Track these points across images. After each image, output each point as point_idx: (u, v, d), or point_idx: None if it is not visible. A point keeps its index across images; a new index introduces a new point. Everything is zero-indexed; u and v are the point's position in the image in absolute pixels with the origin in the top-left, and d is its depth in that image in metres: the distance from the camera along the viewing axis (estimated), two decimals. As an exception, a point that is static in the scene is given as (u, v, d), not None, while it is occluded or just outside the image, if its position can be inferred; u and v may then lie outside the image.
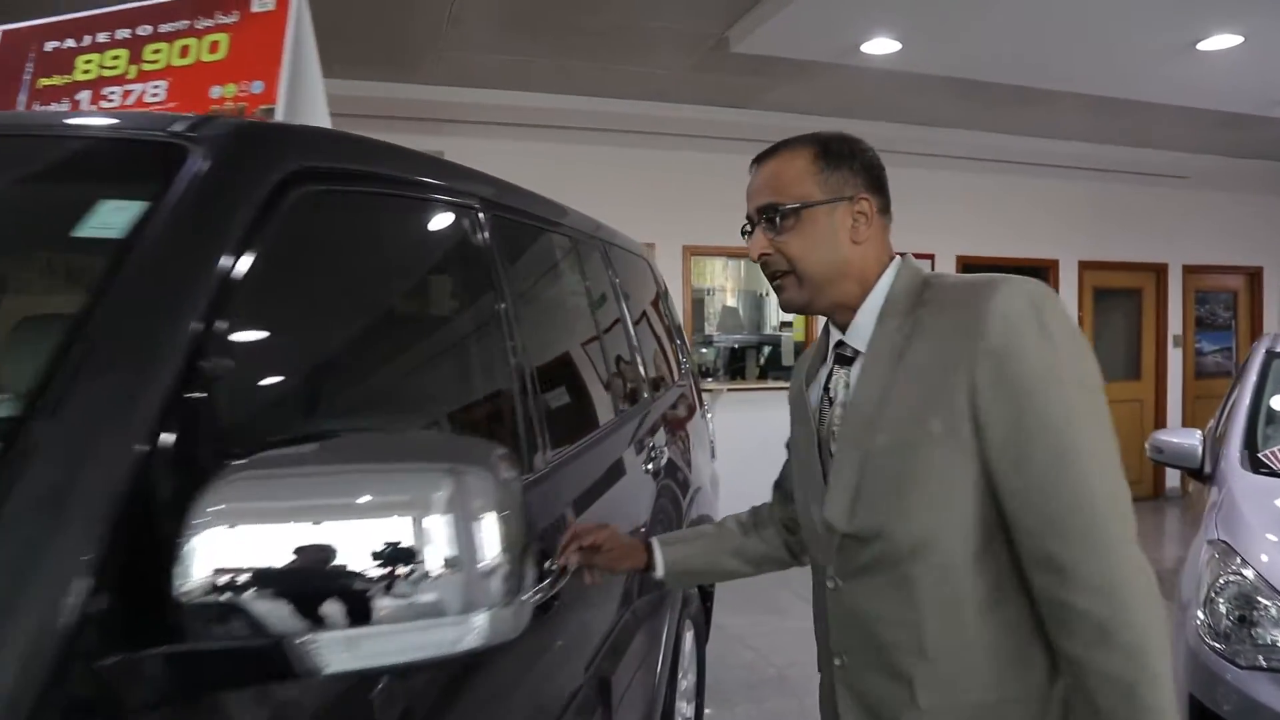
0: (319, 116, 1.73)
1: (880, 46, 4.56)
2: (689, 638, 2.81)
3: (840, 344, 1.21)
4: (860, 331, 1.18)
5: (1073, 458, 1.00)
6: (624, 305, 2.62)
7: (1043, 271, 7.01)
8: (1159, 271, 7.62)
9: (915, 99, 5.51)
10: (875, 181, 1.19)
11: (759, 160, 1.22)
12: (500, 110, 5.45)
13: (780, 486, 1.49)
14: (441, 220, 1.49)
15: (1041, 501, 1.01)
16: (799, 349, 6.50)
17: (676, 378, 3.23)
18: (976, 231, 6.85)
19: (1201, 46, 4.48)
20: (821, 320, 1.25)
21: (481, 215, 1.57)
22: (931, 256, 6.62)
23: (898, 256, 1.20)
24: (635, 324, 2.69)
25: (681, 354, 3.53)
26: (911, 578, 1.09)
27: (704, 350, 6.59)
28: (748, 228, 1.21)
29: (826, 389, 1.21)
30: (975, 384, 1.03)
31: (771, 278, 1.19)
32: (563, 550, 1.37)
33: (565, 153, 5.73)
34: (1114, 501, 1.00)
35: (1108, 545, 0.99)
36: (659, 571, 1.45)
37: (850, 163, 1.18)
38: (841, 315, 1.20)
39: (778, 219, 1.15)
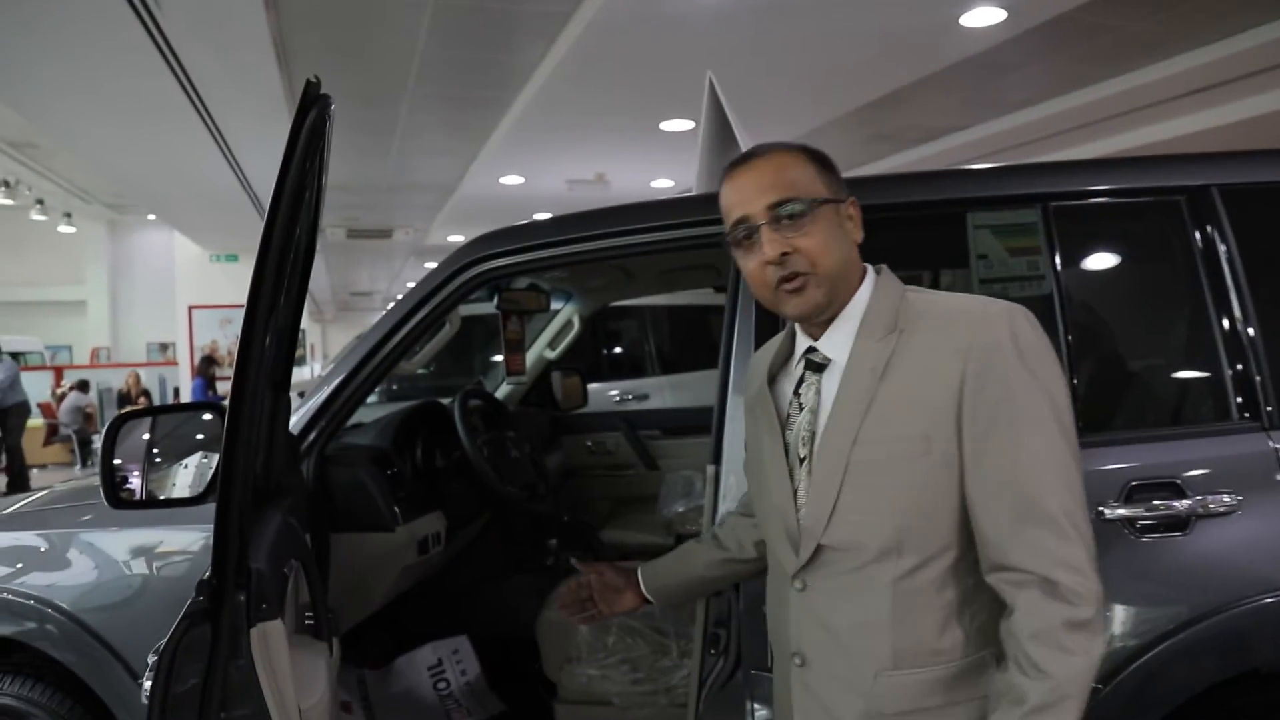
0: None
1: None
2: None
3: (811, 350, 1.23)
4: (838, 341, 1.20)
5: (1027, 460, 1.08)
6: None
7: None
8: None
9: None
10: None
11: (745, 162, 1.23)
12: None
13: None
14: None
15: (995, 503, 1.09)
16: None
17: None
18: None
19: None
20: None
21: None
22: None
23: (870, 268, 1.24)
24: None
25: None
26: (885, 584, 1.13)
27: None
28: (744, 231, 1.20)
29: (797, 394, 1.23)
30: (961, 405, 1.10)
31: (782, 281, 1.18)
32: (563, 611, 1.76)
33: None
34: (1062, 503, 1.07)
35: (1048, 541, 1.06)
36: (648, 596, 1.66)
37: (834, 168, 1.23)
38: (817, 322, 1.22)
39: (792, 216, 1.16)
